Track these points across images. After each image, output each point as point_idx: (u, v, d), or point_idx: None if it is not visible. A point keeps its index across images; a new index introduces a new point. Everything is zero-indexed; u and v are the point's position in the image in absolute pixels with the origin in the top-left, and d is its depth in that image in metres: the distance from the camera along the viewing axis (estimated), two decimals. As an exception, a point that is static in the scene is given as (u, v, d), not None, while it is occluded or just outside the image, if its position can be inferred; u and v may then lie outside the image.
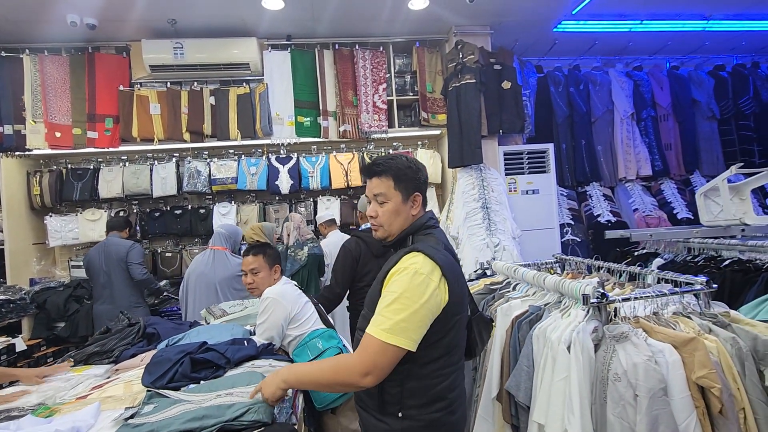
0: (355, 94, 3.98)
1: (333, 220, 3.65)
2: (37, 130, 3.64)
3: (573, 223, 4.23)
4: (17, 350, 3.01)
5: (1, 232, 3.58)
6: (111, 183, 3.87)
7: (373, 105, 4.00)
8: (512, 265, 2.12)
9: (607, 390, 1.30)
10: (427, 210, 1.37)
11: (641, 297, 1.51)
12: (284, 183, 3.94)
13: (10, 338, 3.01)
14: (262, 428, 1.19)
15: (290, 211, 4.10)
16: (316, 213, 4.09)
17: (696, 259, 2.42)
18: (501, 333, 1.75)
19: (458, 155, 3.74)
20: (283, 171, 3.98)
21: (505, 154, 3.96)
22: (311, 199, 4.17)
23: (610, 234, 3.23)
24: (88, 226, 3.87)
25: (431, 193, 4.22)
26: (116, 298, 3.25)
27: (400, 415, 1.19)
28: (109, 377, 1.69)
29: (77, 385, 1.60)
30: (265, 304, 1.88)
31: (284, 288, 1.97)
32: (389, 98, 4.07)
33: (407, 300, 1.11)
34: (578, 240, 4.16)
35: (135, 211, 4.06)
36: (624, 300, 1.49)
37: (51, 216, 3.85)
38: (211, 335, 1.84)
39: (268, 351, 1.78)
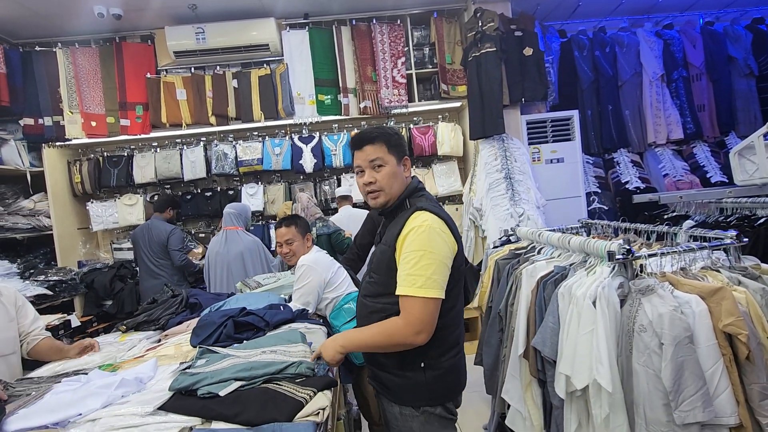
0: (374, 70, 3.97)
1: (346, 197, 3.66)
2: (74, 120, 3.83)
3: (600, 191, 4.14)
4: (72, 326, 3.26)
5: (49, 218, 3.83)
6: (144, 168, 4.05)
7: (392, 80, 3.99)
8: (537, 230, 2.14)
9: (632, 341, 1.33)
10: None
11: (668, 252, 1.51)
12: (308, 162, 4.02)
13: (66, 315, 3.27)
14: (304, 379, 1.29)
15: (315, 189, 4.21)
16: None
17: (728, 219, 2.36)
18: (527, 293, 1.79)
19: (480, 126, 3.71)
20: (307, 150, 4.05)
21: (528, 123, 3.90)
22: (335, 177, 4.25)
23: (638, 198, 3.16)
24: (126, 210, 4.08)
25: (453, 166, 4.22)
26: (160, 276, 3.46)
27: (422, 365, 1.27)
28: (159, 341, 1.84)
29: (132, 348, 1.76)
30: (301, 271, 1.98)
31: (317, 255, 2.06)
32: (408, 72, 4.04)
33: (431, 255, 1.19)
34: (605, 208, 4.08)
35: (169, 194, 4.25)
36: (650, 255, 1.49)
37: (92, 202, 4.07)
38: (249, 302, 1.96)
39: (303, 315, 1.90)
